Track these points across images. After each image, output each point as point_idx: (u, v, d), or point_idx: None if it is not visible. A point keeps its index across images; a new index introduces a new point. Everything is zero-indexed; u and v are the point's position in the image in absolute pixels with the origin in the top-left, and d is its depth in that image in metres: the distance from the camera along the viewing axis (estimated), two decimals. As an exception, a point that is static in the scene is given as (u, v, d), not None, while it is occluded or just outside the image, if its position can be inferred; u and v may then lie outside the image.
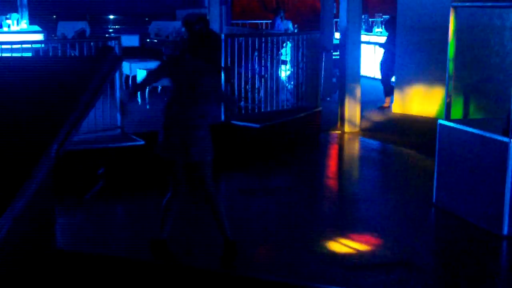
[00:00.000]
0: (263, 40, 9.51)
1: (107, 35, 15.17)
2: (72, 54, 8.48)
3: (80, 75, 3.65)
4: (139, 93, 10.22)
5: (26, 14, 12.40)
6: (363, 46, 11.26)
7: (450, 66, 6.79)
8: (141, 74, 10.26)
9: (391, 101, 12.53)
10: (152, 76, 5.50)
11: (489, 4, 7.49)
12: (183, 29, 12.06)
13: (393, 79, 12.59)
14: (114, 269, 4.95)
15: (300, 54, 10.02)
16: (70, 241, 5.79)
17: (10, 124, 2.97)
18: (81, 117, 3.13)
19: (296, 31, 15.80)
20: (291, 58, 10.15)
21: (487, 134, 6.12)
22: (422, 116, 11.13)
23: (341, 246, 5.83)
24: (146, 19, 16.25)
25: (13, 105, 3.19)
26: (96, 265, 4.84)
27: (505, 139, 5.89)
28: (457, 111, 6.91)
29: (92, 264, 4.85)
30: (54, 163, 2.80)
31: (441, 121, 6.75)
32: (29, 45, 8.12)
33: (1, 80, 3.58)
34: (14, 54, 7.65)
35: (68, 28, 13.78)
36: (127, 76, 11.23)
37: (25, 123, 3.00)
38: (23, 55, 7.92)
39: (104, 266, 4.90)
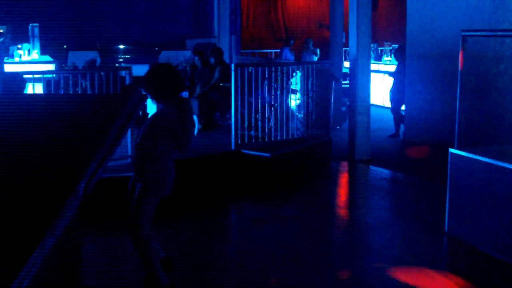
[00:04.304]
0: (272, 70, 9.54)
1: (117, 65, 15.25)
2: (83, 84, 8.52)
3: (106, 114, 3.68)
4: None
5: (37, 44, 12.47)
6: (372, 74, 11.28)
7: (461, 94, 6.77)
8: (150, 103, 10.24)
9: (401, 130, 12.52)
10: None
11: (499, 33, 7.50)
12: (196, 58, 12.14)
13: (403, 107, 12.59)
14: None
15: (309, 83, 10.04)
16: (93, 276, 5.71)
17: (37, 163, 2.98)
18: (108, 155, 3.15)
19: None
20: (301, 87, 10.16)
21: (499, 163, 6.07)
22: (433, 145, 11.09)
23: (353, 275, 5.77)
24: (156, 48, 16.33)
25: (40, 144, 3.20)
26: None
27: (518, 168, 5.84)
28: (468, 139, 6.87)
29: None
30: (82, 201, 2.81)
31: (452, 150, 6.70)
32: (40, 75, 8.16)
33: (28, 118, 3.60)
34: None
35: (78, 58, 13.86)
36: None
37: (52, 162, 3.00)
38: (34, 85, 7.98)
39: None
